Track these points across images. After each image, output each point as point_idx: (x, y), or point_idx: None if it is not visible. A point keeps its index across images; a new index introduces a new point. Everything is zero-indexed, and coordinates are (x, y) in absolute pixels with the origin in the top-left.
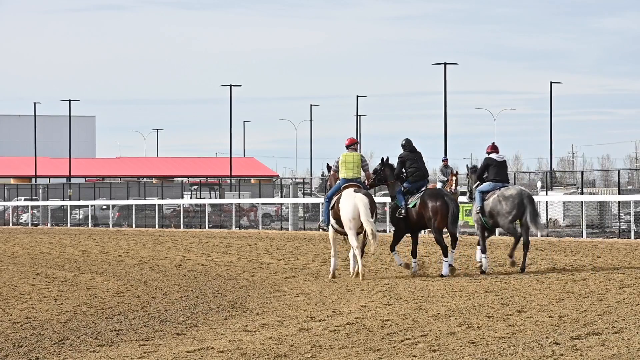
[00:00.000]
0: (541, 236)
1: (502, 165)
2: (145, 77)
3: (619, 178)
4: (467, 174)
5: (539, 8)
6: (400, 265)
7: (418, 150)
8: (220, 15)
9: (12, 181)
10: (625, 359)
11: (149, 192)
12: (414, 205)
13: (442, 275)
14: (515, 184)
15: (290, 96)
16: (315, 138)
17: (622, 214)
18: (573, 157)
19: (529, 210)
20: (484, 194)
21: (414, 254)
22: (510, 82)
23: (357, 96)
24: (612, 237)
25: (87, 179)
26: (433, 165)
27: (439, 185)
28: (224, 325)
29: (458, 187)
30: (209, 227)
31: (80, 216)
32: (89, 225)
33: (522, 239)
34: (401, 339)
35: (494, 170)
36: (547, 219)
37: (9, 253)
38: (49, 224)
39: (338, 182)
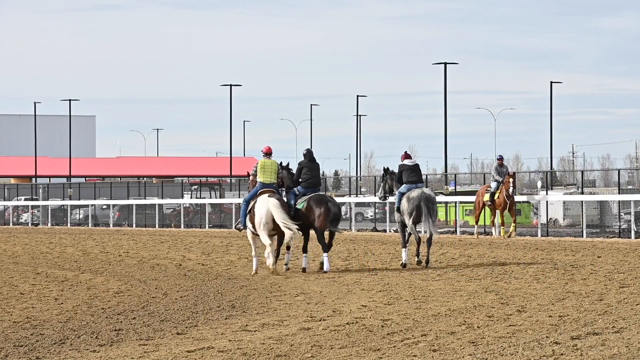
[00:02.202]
0: (432, 236)
1: (414, 168)
2: (145, 77)
3: (619, 178)
4: (382, 178)
5: (537, 8)
6: (304, 267)
7: (317, 161)
8: (220, 15)
9: (12, 181)
10: (625, 359)
11: (149, 192)
12: (302, 207)
13: (324, 271)
14: (427, 186)
15: (290, 96)
16: (315, 138)
17: (623, 214)
18: (573, 157)
19: (424, 212)
20: (402, 195)
21: (304, 249)
22: (510, 82)
23: (357, 96)
24: (612, 237)
25: (87, 178)
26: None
27: (493, 186)
28: (224, 324)
29: (516, 189)
30: (209, 227)
31: (81, 216)
32: (89, 225)
33: (417, 235)
34: (401, 338)
35: (407, 174)
36: (547, 219)
37: (9, 253)
38: (49, 224)
39: (255, 187)
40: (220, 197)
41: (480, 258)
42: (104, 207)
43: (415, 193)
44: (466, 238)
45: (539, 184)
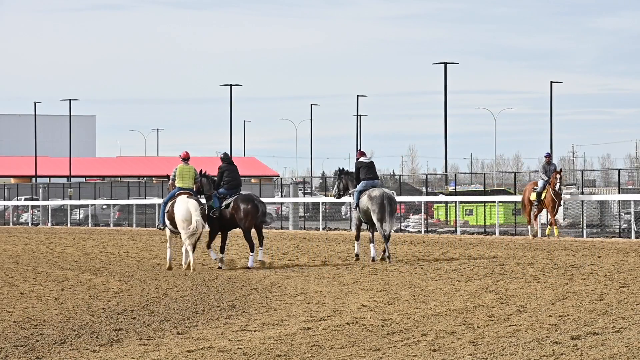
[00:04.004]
0: (388, 233)
1: (371, 166)
2: (145, 77)
3: (619, 177)
4: (337, 177)
5: (537, 8)
6: (215, 260)
7: (234, 164)
8: (220, 15)
9: (12, 181)
10: (625, 359)
11: (149, 192)
12: (228, 207)
13: (248, 267)
14: (383, 185)
15: (291, 96)
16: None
17: (623, 214)
18: (573, 157)
19: (387, 210)
20: (360, 193)
21: (222, 249)
22: (510, 82)
23: (358, 96)
24: (612, 237)
25: (87, 178)
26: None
27: (539, 185)
28: (224, 324)
29: (563, 187)
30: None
31: (81, 216)
32: (89, 224)
33: (384, 233)
34: (401, 338)
35: (364, 171)
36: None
37: (9, 252)
38: (49, 224)
39: (173, 190)
40: None
41: (480, 258)
42: (104, 207)
43: (377, 192)
44: (466, 238)
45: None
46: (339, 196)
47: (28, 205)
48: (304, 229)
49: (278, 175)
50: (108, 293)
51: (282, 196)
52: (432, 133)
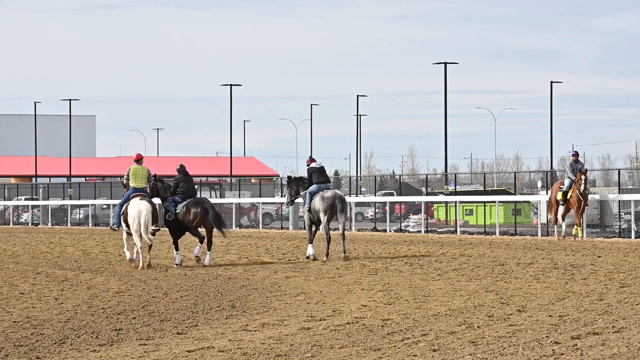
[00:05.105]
0: (344, 230)
1: (322, 170)
2: (145, 76)
3: (619, 177)
4: (287, 184)
5: (537, 8)
6: (177, 264)
7: (190, 174)
8: (220, 15)
9: (12, 180)
10: (625, 359)
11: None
12: (181, 211)
13: (204, 265)
14: (335, 188)
15: (291, 96)
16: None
17: (623, 214)
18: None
19: (338, 209)
20: (312, 195)
21: (176, 248)
22: (510, 82)
23: (358, 95)
24: (612, 237)
25: (87, 178)
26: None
27: (566, 184)
28: (225, 324)
29: (588, 186)
30: None
31: (81, 215)
32: (90, 224)
33: (339, 230)
34: (401, 338)
35: (316, 175)
36: (547, 218)
37: (9, 252)
38: (50, 224)
39: (128, 191)
40: (220, 197)
41: (480, 258)
42: (104, 207)
43: (329, 193)
44: (466, 238)
45: (539, 183)
46: (291, 202)
47: (28, 205)
48: (304, 229)
49: (278, 175)
50: (108, 293)
51: (282, 196)
52: (432, 133)
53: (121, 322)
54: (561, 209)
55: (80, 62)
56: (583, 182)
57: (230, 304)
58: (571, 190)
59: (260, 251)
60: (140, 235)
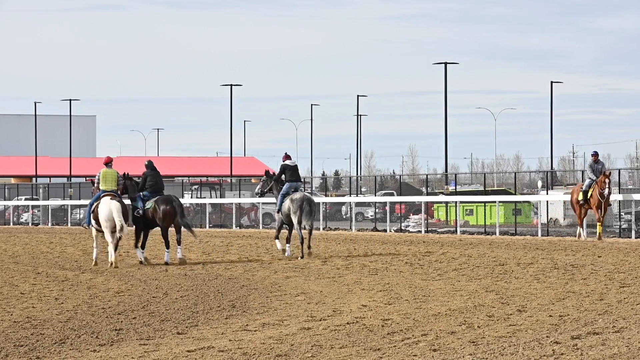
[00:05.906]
0: (310, 228)
1: (295, 169)
2: (145, 77)
3: (619, 177)
4: (263, 179)
5: (537, 8)
6: (141, 260)
7: (157, 170)
8: (220, 15)
9: (12, 181)
10: (625, 358)
11: None
12: (150, 208)
13: (166, 263)
14: (305, 189)
15: (291, 96)
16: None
17: (623, 213)
18: (573, 157)
19: (305, 210)
20: (284, 197)
21: (142, 246)
22: (510, 82)
23: (358, 96)
24: (612, 237)
25: (87, 178)
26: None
27: (586, 184)
28: (225, 324)
29: (611, 189)
30: (209, 227)
31: (81, 216)
32: None
33: (305, 229)
34: (402, 338)
35: (289, 173)
36: (547, 218)
37: (9, 252)
38: (50, 224)
39: (98, 192)
40: (220, 197)
41: (480, 258)
42: None
43: (298, 195)
44: (466, 238)
45: (540, 183)
46: (261, 194)
47: (28, 205)
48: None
49: None
50: (108, 293)
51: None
52: (432, 133)
53: (121, 322)
54: (582, 209)
55: (80, 62)
56: (607, 184)
57: (231, 304)
58: (591, 190)
59: (260, 251)
60: (112, 232)
